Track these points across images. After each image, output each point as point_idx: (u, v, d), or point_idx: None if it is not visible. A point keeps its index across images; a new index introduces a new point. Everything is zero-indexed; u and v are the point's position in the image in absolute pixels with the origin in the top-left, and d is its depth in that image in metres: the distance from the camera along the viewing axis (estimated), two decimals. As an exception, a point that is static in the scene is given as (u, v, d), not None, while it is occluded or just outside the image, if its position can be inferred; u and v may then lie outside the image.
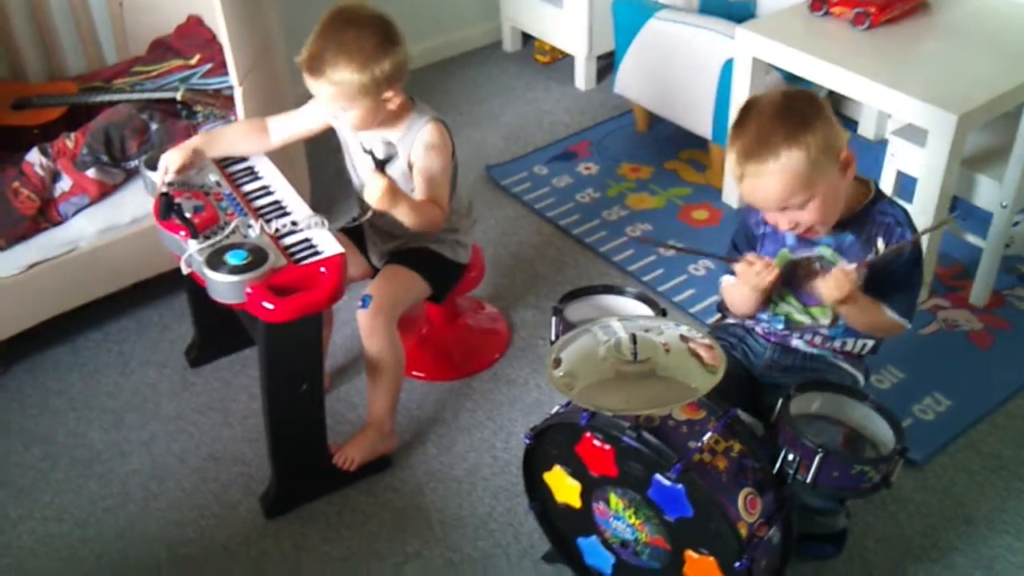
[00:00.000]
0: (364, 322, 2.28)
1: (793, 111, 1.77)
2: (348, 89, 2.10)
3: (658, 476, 1.74)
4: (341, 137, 2.35)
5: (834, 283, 1.82)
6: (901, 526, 2.23)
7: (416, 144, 2.23)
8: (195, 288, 2.25)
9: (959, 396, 2.51)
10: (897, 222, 1.88)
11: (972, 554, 2.17)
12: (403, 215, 2.14)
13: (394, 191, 2.08)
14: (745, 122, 1.80)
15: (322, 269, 2.02)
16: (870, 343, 2.01)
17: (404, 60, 2.15)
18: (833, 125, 1.78)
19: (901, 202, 2.78)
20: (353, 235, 2.46)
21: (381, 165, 2.05)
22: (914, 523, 2.23)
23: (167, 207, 2.08)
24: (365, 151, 2.08)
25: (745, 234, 2.03)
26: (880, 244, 1.88)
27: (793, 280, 1.96)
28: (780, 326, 2.02)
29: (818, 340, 2.02)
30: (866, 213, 1.89)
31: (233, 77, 2.67)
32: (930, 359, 2.61)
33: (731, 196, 3.20)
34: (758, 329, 2.07)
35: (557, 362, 1.81)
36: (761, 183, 1.77)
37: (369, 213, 2.15)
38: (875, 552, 2.17)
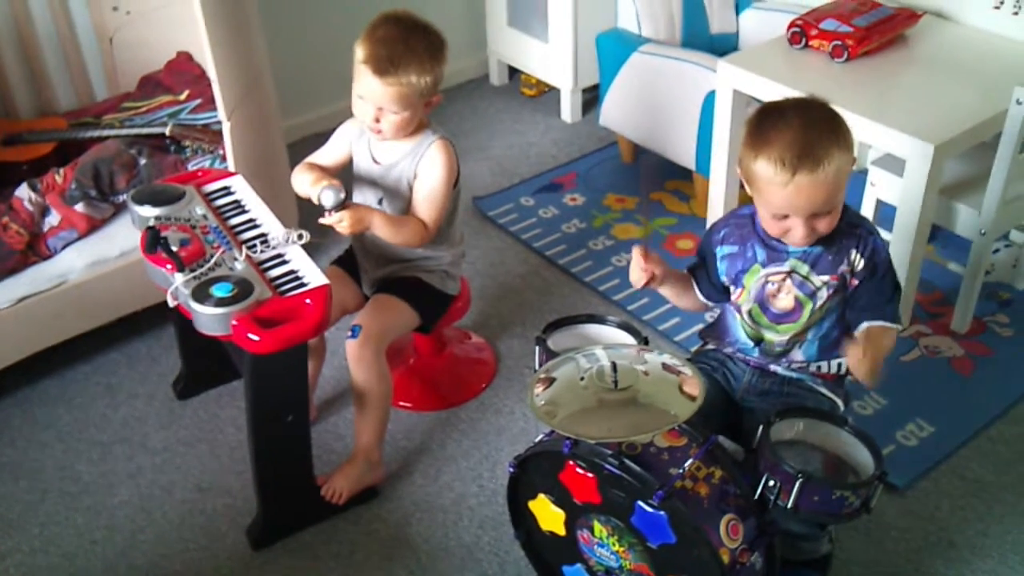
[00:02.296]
0: (353, 352, 2.30)
1: (825, 115, 1.82)
2: (412, 91, 2.19)
3: (641, 503, 1.76)
4: (355, 159, 2.39)
5: (866, 366, 1.86)
6: (885, 551, 2.24)
7: (424, 158, 2.29)
8: (182, 321, 2.27)
9: (941, 422, 2.53)
10: (868, 231, 1.93)
11: (955, 579, 2.19)
12: (380, 230, 2.23)
13: (357, 216, 2.19)
14: (780, 128, 1.79)
15: (307, 300, 2.04)
16: (844, 363, 2.04)
17: (445, 69, 2.25)
18: (850, 129, 1.84)
19: (881, 231, 2.84)
20: (347, 266, 2.50)
21: (331, 210, 2.17)
22: (898, 548, 2.25)
23: (154, 241, 2.09)
24: (316, 202, 2.19)
25: (707, 251, 2.08)
26: (855, 255, 1.92)
27: (762, 297, 1.99)
28: (755, 354, 2.05)
29: (795, 365, 2.04)
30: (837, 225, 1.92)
31: (221, 112, 2.70)
32: (912, 386, 2.64)
33: (715, 226, 3.23)
34: (737, 355, 2.10)
35: (542, 384, 1.83)
36: (810, 188, 1.77)
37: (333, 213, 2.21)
38: (859, 578, 2.19)
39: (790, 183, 1.78)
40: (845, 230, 1.92)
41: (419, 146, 2.30)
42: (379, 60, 2.15)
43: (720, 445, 1.85)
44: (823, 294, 1.94)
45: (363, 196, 2.37)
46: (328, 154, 2.41)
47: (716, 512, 1.77)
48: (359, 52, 2.19)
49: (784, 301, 1.97)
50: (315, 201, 2.21)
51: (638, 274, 1.99)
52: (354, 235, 2.31)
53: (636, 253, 1.98)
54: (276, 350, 1.99)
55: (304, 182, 2.28)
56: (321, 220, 2.20)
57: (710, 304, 2.13)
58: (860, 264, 1.92)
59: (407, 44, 2.17)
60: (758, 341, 2.04)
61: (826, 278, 1.93)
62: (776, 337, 2.02)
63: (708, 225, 3.13)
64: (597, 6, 3.66)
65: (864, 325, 1.96)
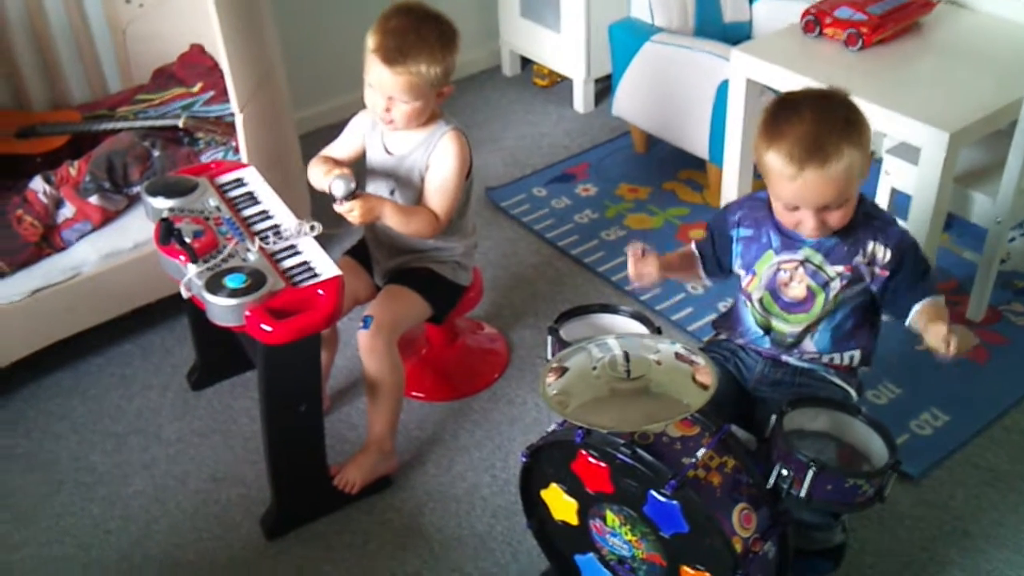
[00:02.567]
0: (364, 342, 2.31)
1: (841, 110, 1.81)
2: (422, 80, 2.18)
3: (653, 492, 1.76)
4: (368, 149, 2.40)
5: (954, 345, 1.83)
6: (899, 541, 2.23)
7: (436, 149, 2.29)
8: (196, 312, 2.28)
9: (956, 411, 2.52)
10: (886, 222, 1.93)
11: (971, 568, 2.18)
12: (391, 219, 2.23)
13: (367, 205, 2.19)
14: (792, 121, 1.79)
15: (320, 291, 2.05)
16: (857, 355, 2.02)
17: (456, 59, 2.25)
18: (869, 125, 1.83)
19: (896, 219, 2.82)
20: (360, 256, 2.50)
21: (342, 200, 2.17)
22: (912, 538, 2.24)
23: (167, 232, 2.10)
24: (328, 192, 2.19)
25: (720, 231, 2.08)
26: (874, 246, 1.90)
27: (774, 284, 1.98)
28: (767, 344, 2.04)
29: (808, 355, 2.03)
30: (852, 217, 1.90)
31: (234, 104, 2.70)
32: (927, 374, 2.62)
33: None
34: (749, 346, 2.09)
35: (554, 374, 1.83)
36: (818, 184, 1.78)
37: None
38: (873, 567, 2.18)
39: (798, 177, 1.78)
40: (862, 221, 1.91)
41: (431, 137, 2.30)
42: (388, 49, 2.15)
43: (733, 434, 1.84)
44: (836, 284, 1.93)
45: (375, 187, 2.37)
46: (342, 147, 2.42)
47: (729, 501, 1.77)
48: (370, 41, 2.19)
49: (796, 290, 1.96)
50: (327, 191, 2.21)
51: (634, 274, 2.04)
52: (365, 225, 2.32)
53: (630, 255, 2.02)
54: (289, 341, 1.99)
55: (318, 175, 2.29)
56: (335, 206, 2.20)
57: (708, 283, 2.17)
58: (886, 256, 1.90)
59: (418, 33, 2.17)
60: (767, 330, 2.03)
61: (840, 268, 1.92)
62: (787, 327, 2.00)
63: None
64: (609, -4, 3.65)
65: (917, 307, 1.93)
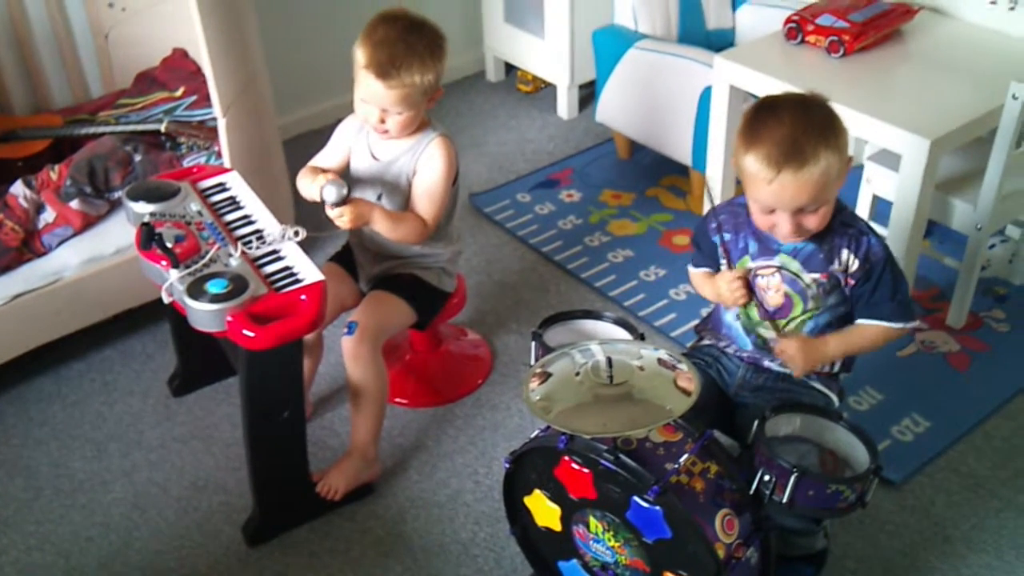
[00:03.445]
0: (349, 348, 2.30)
1: (820, 115, 1.82)
2: (415, 91, 2.19)
3: (636, 498, 1.76)
4: (353, 155, 2.39)
5: (794, 360, 1.95)
6: (880, 547, 2.24)
7: (424, 155, 2.29)
8: (177, 317, 2.26)
9: (937, 417, 2.53)
10: (861, 232, 1.93)
11: (951, 573, 2.18)
12: (380, 225, 2.23)
13: (358, 210, 2.19)
14: (771, 124, 1.80)
15: (303, 297, 2.04)
16: (839, 360, 2.04)
17: (445, 64, 2.25)
18: (847, 130, 1.85)
19: (877, 226, 2.84)
20: (345, 262, 2.50)
21: (333, 205, 2.17)
22: (893, 543, 2.25)
23: (148, 237, 2.09)
24: (320, 199, 2.18)
25: (705, 242, 2.08)
26: (847, 255, 1.91)
27: (754, 290, 1.99)
28: (749, 347, 2.05)
29: (789, 360, 2.04)
30: (829, 223, 1.91)
31: (217, 109, 2.69)
32: (908, 381, 2.64)
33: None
34: (730, 350, 2.09)
35: (537, 380, 1.82)
36: (795, 186, 1.79)
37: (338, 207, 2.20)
38: (854, 573, 2.19)
39: (775, 180, 1.79)
40: (838, 229, 1.92)
41: (419, 143, 2.30)
42: (381, 64, 2.14)
43: (716, 440, 1.85)
44: (813, 292, 1.94)
45: (362, 192, 2.36)
46: (330, 156, 2.41)
47: (711, 507, 1.77)
48: (359, 56, 2.18)
49: (774, 298, 1.97)
50: (317, 198, 2.20)
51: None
52: (353, 230, 2.31)
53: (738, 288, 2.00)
54: (271, 346, 1.98)
55: (307, 184, 2.28)
56: (326, 211, 2.19)
57: None
58: (854, 265, 1.92)
59: (407, 43, 2.16)
60: (750, 331, 2.04)
61: (816, 276, 1.93)
62: (768, 333, 2.01)
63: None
64: (593, 2, 3.66)
65: (859, 322, 1.97)
